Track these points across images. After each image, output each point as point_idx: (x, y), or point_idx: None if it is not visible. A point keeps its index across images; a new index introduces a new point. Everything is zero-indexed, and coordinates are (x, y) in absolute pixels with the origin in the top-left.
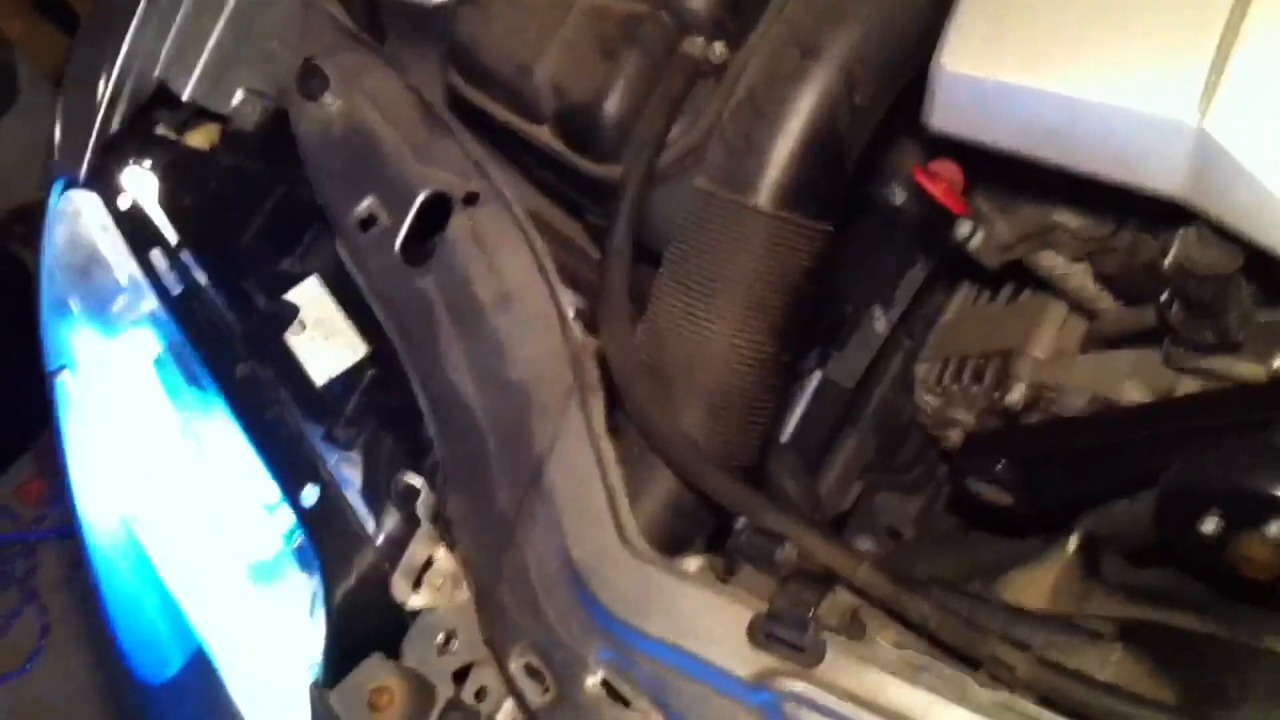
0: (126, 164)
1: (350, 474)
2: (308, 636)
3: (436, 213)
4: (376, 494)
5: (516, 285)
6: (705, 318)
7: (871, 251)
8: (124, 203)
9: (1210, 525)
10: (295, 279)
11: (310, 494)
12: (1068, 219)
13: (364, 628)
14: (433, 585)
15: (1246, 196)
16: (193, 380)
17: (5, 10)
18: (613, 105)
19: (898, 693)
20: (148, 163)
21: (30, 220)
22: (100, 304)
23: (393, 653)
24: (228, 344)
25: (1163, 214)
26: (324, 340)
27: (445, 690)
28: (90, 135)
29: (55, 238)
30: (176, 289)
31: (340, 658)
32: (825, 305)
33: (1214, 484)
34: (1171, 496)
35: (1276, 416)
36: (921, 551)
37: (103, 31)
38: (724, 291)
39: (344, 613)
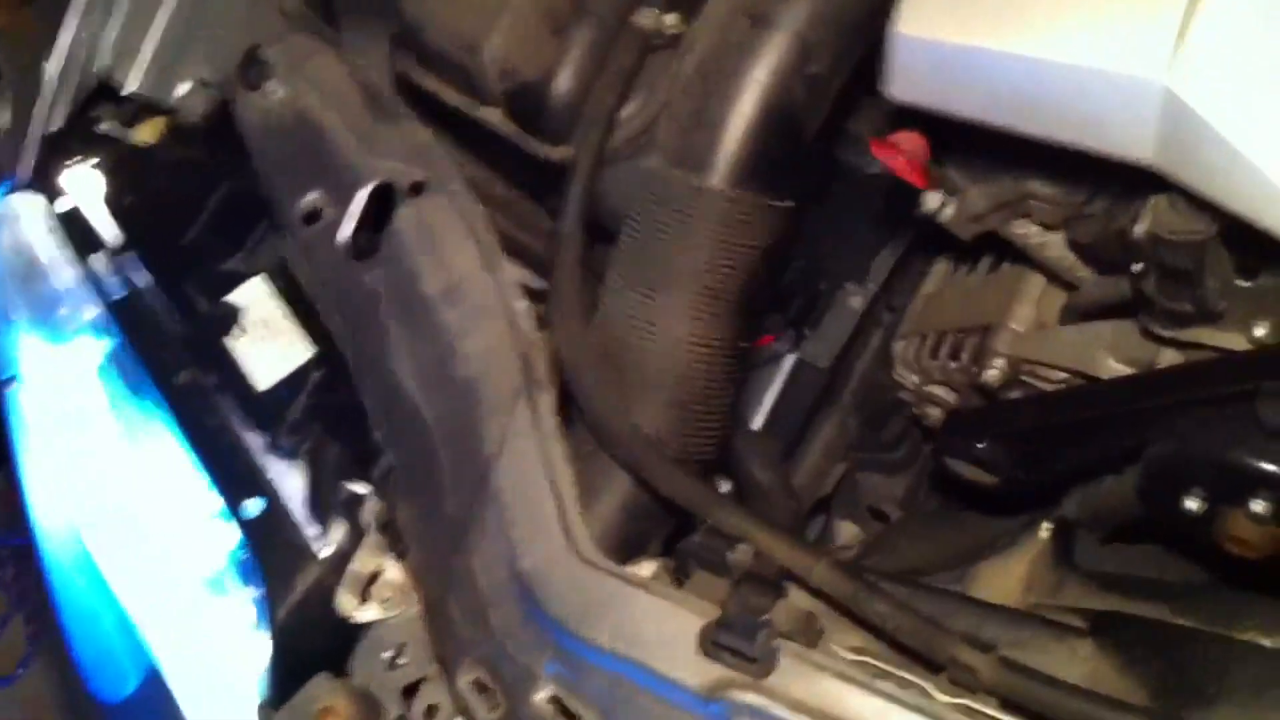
0: (69, 163)
1: (295, 483)
2: (256, 654)
3: (385, 203)
4: (322, 503)
5: (463, 277)
6: (659, 307)
7: (845, 225)
8: (66, 204)
9: (1194, 502)
10: (240, 279)
11: (253, 506)
12: (1040, 187)
13: (310, 644)
14: (380, 598)
15: (1216, 160)
16: (135, 389)
17: None
18: (562, 84)
19: (854, 701)
20: (91, 161)
21: None
22: (45, 311)
23: (341, 669)
24: (169, 350)
25: (1137, 181)
26: (268, 342)
27: (394, 708)
28: (30, 134)
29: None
30: (118, 294)
31: (286, 676)
32: (798, 283)
33: (1196, 460)
34: (1154, 473)
35: (1259, 387)
36: (907, 533)
37: (44, 25)
38: (678, 278)
39: (288, 630)
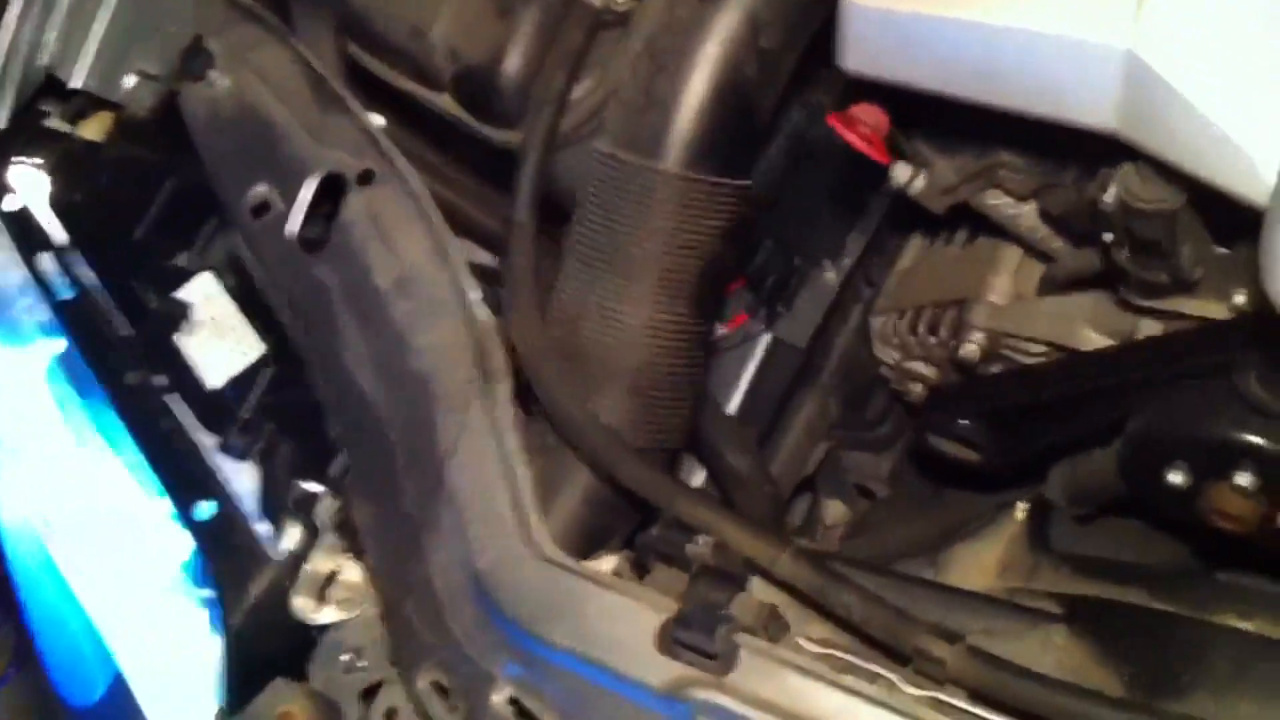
0: (15, 161)
1: (248, 484)
2: (216, 659)
3: (334, 194)
4: (276, 504)
5: (415, 268)
6: (616, 294)
7: (817, 200)
8: (12, 204)
9: (1177, 476)
10: (190, 275)
11: (205, 509)
12: (1009, 158)
13: (267, 648)
14: (338, 599)
15: (1182, 125)
16: (84, 391)
17: None
18: (511, 66)
19: (818, 698)
20: (38, 159)
21: None
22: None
23: (300, 672)
24: (117, 350)
25: (1107, 149)
26: (219, 340)
27: (353, 711)
28: None
29: None
30: (66, 294)
31: (244, 681)
32: (771, 261)
33: (1178, 433)
34: (1135, 448)
35: (1237, 357)
36: (894, 512)
37: None
38: (634, 265)
39: (245, 634)
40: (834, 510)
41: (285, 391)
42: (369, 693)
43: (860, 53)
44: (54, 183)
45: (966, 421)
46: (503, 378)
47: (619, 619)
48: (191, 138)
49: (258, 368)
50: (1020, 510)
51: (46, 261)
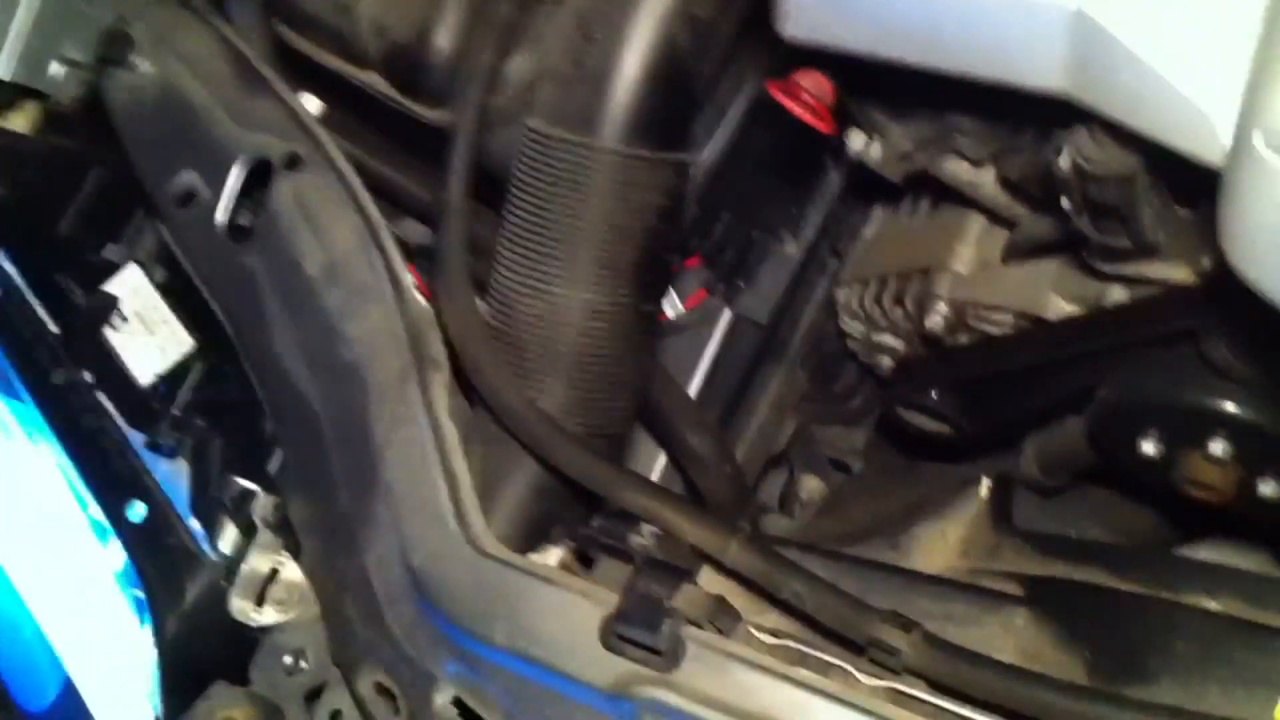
0: None
1: (180, 483)
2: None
3: (261, 180)
4: (209, 503)
5: (345, 254)
6: (554, 277)
7: (774, 170)
8: None
9: (1150, 446)
10: (117, 269)
11: (136, 510)
12: (964, 122)
13: (207, 652)
14: (277, 600)
15: (1133, 84)
16: (10, 392)
17: None
18: (439, 40)
19: (769, 693)
20: None
21: None
22: None
23: (242, 675)
24: (42, 348)
25: (1064, 112)
26: (148, 335)
27: (296, 715)
28: None
29: None
30: None
31: (184, 686)
32: (728, 235)
33: (1148, 402)
34: (1105, 417)
35: (1205, 323)
36: (869, 485)
37: None
38: (571, 246)
39: (182, 638)
40: (810, 485)
41: (218, 387)
42: (313, 695)
43: (800, 19)
44: None
45: (935, 394)
46: (440, 365)
47: (560, 615)
48: (114, 126)
49: (188, 363)
50: (984, 487)
51: None
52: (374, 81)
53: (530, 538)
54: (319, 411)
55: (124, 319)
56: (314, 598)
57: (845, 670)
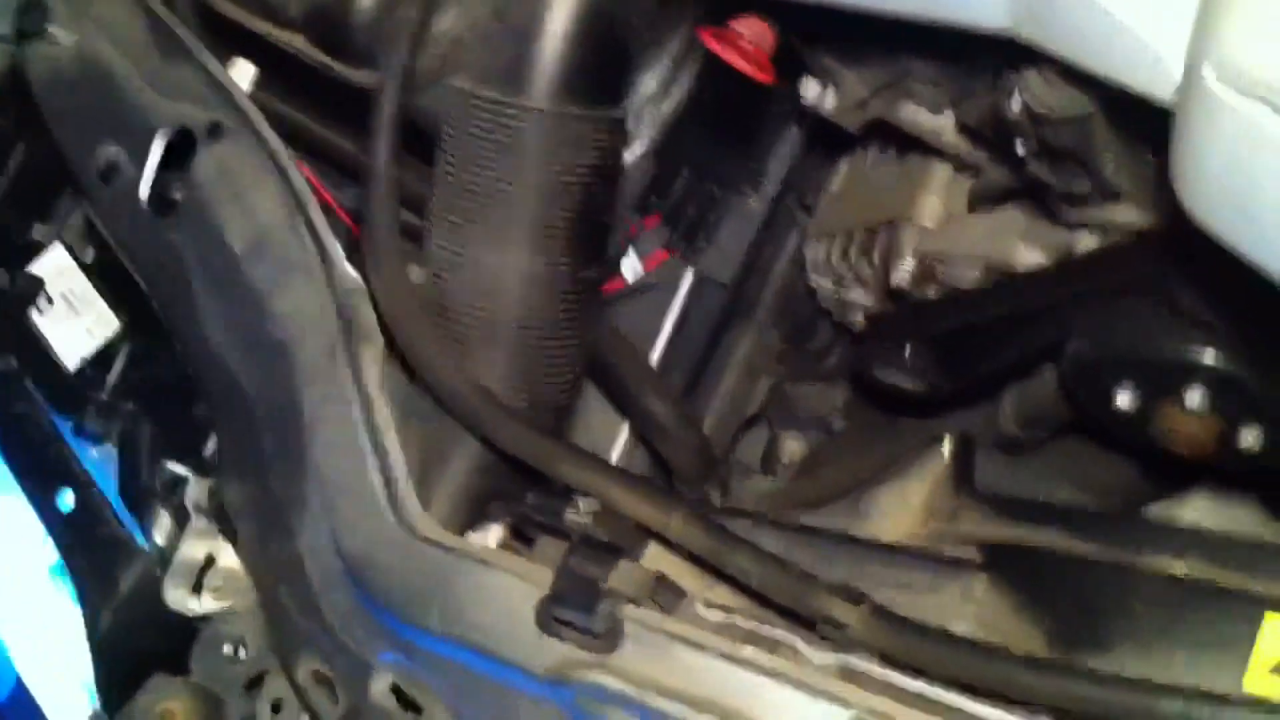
0: None
1: (111, 470)
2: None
3: (185, 151)
4: (140, 489)
5: (270, 226)
6: (486, 244)
7: (733, 123)
8: None
9: (1125, 399)
10: (44, 249)
11: (65, 499)
12: (919, 66)
13: (144, 643)
14: (214, 588)
15: (1078, 19)
16: None
17: None
18: None
19: (712, 673)
20: None
21: None
22: None
23: (182, 666)
24: None
25: (1018, 52)
26: (74, 317)
27: (237, 704)
28: None
29: None
30: None
31: (121, 680)
32: (687, 192)
33: (1119, 353)
34: (1077, 370)
35: (1172, 269)
36: (849, 444)
37: None
38: (504, 211)
39: (118, 630)
40: (791, 446)
41: (149, 368)
42: (253, 684)
43: None
44: None
45: (907, 350)
46: (371, 339)
47: (496, 598)
48: (35, 100)
49: (116, 345)
50: (946, 446)
51: None
52: (298, 44)
53: (475, 517)
54: (249, 391)
55: (50, 301)
56: (251, 585)
57: (793, 647)
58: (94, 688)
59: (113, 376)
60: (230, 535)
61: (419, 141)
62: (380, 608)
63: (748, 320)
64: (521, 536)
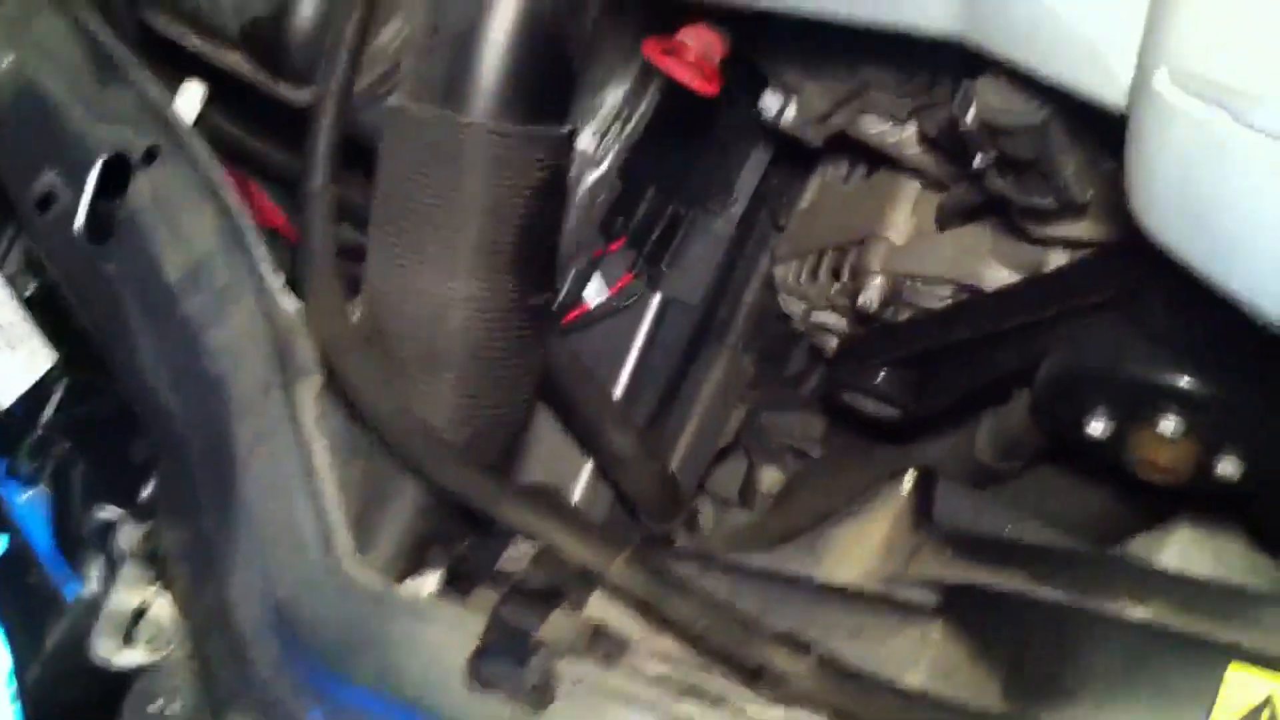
0: None
1: (43, 513)
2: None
3: (121, 178)
4: (71, 534)
5: (205, 254)
6: (426, 270)
7: (700, 140)
8: None
9: (1098, 425)
10: None
11: None
12: (879, 76)
13: (73, 695)
14: (146, 639)
15: (1027, 22)
16: None
17: None
18: (302, 14)
19: None
20: None
21: None
22: None
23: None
24: None
25: (975, 60)
26: (9, 351)
27: None
28: None
29: None
30: None
31: None
32: (653, 211)
33: (1089, 376)
34: (1049, 395)
35: (1140, 286)
36: (825, 474)
37: None
38: (443, 234)
39: (44, 685)
40: (769, 476)
41: (87, 405)
42: None
43: None
44: None
45: (881, 374)
46: (307, 374)
47: (427, 650)
48: None
49: (52, 380)
50: (907, 480)
51: None
52: (235, 61)
53: (418, 561)
54: (183, 428)
55: None
56: (186, 635)
57: (735, 703)
58: None
59: (48, 412)
60: (166, 583)
61: (367, 160)
62: (310, 659)
63: (719, 344)
64: (460, 582)
